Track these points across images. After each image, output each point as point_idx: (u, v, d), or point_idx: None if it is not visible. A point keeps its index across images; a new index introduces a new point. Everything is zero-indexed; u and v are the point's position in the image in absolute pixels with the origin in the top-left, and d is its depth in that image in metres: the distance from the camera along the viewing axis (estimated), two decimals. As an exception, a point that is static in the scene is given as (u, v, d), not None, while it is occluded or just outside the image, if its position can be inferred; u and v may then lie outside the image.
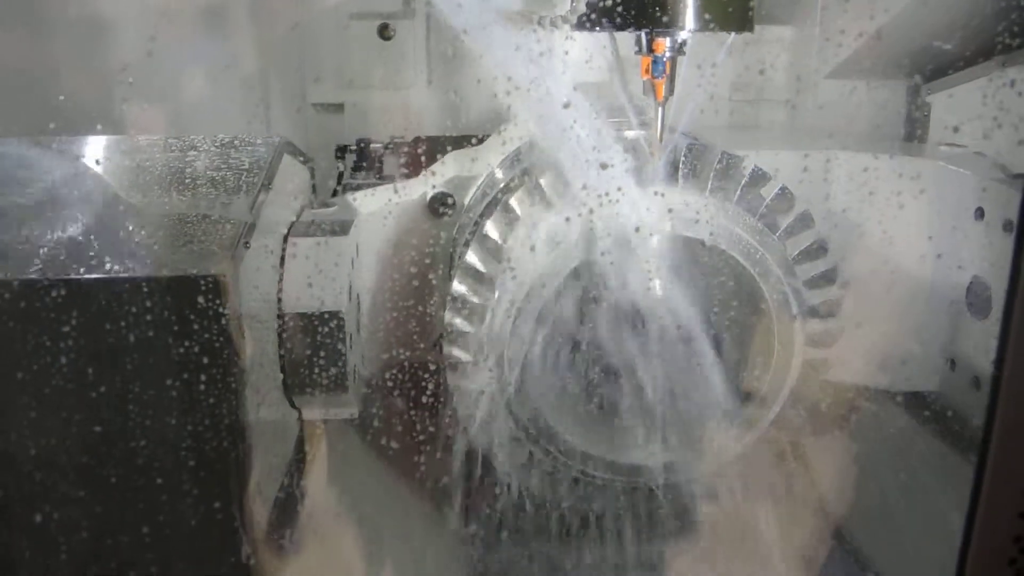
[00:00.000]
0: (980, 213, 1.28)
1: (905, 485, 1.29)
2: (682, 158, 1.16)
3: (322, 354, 1.14)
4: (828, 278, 1.21)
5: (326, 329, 1.13)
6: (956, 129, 1.39)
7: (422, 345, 1.25)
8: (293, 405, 1.20)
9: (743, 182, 1.17)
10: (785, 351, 1.17)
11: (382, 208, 1.28)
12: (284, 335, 1.13)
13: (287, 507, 1.17)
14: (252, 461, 0.99)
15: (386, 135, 1.59)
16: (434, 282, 1.24)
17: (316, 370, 1.15)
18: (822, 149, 1.36)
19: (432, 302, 1.23)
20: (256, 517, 1.02)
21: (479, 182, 1.25)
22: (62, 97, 1.45)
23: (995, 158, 1.32)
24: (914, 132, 1.55)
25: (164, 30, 1.56)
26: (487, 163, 1.26)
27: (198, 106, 1.57)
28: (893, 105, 1.59)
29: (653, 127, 1.17)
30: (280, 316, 1.13)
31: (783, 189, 1.19)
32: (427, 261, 1.25)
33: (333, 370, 1.14)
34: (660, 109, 1.16)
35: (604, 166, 1.10)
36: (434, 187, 1.27)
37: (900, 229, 1.34)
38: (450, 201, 1.24)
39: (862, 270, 1.30)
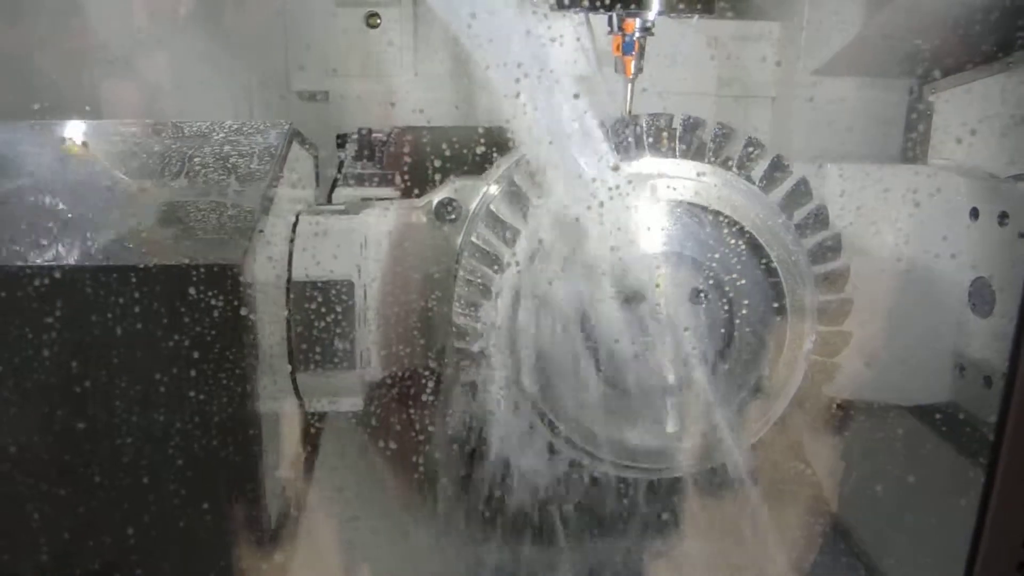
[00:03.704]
0: (975, 213, 1.30)
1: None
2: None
3: (332, 324, 1.12)
4: (833, 248, 1.20)
5: (336, 298, 1.12)
6: (971, 131, 1.39)
7: (426, 351, 1.23)
8: (297, 392, 1.19)
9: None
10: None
11: (387, 213, 1.26)
12: (292, 307, 1.11)
13: (291, 502, 1.16)
14: (267, 450, 0.98)
15: (369, 124, 1.56)
16: (440, 287, 1.23)
17: (324, 342, 1.13)
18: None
19: (437, 307, 1.22)
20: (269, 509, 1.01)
21: (483, 190, 1.25)
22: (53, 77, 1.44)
23: (994, 160, 1.33)
24: (915, 131, 1.56)
25: (148, 14, 1.55)
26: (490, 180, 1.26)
27: (180, 91, 1.57)
28: (893, 104, 1.60)
29: (623, 102, 1.25)
30: (288, 288, 1.11)
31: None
32: (433, 266, 1.23)
33: (341, 344, 1.12)
34: (629, 85, 1.25)
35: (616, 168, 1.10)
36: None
37: (895, 238, 1.33)
38: (455, 207, 1.24)
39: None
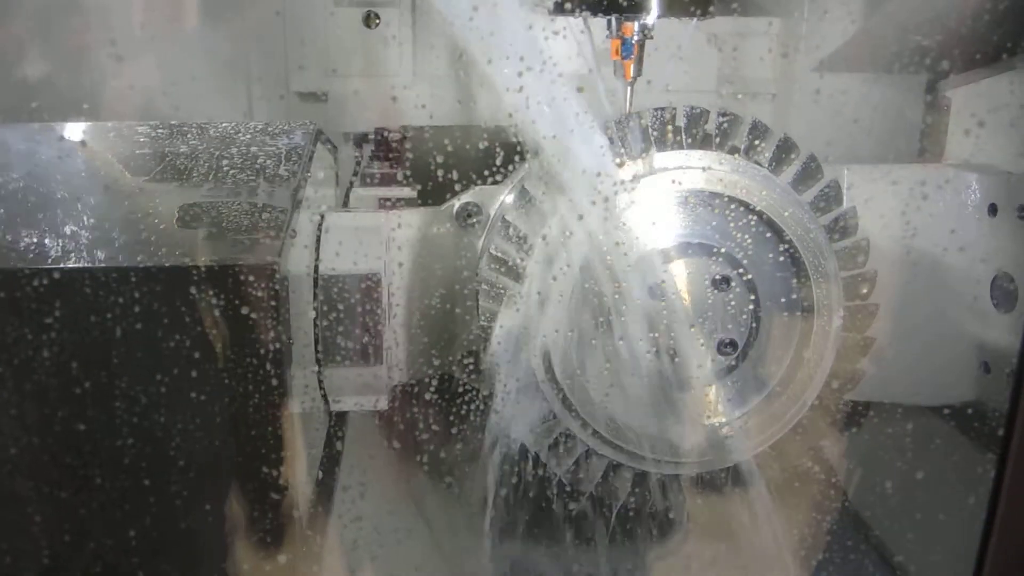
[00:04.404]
0: (993, 209, 1.30)
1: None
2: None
3: (358, 317, 1.13)
4: (848, 226, 1.22)
5: (363, 291, 1.13)
6: (983, 124, 1.39)
7: (448, 358, 1.25)
8: (322, 390, 1.20)
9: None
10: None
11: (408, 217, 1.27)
12: (319, 301, 1.12)
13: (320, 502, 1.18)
14: (299, 449, 1.00)
15: (369, 125, 1.59)
16: (461, 292, 1.24)
17: (350, 335, 1.13)
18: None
19: (460, 313, 1.23)
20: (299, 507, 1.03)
21: (503, 194, 1.26)
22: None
23: (1015, 155, 1.32)
24: (928, 128, 1.54)
25: (147, 14, 1.55)
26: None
27: (179, 92, 1.56)
28: (905, 101, 1.59)
29: (622, 105, 1.26)
30: (316, 282, 1.12)
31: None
32: (455, 270, 1.24)
33: (367, 337, 1.14)
34: (628, 88, 1.27)
35: (621, 164, 1.12)
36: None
37: (913, 237, 1.32)
38: (477, 210, 1.26)
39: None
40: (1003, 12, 1.25)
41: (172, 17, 1.59)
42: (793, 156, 1.19)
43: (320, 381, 1.18)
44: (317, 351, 1.15)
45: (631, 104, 1.28)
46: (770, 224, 1.15)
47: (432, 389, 1.25)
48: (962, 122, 1.44)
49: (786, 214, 1.14)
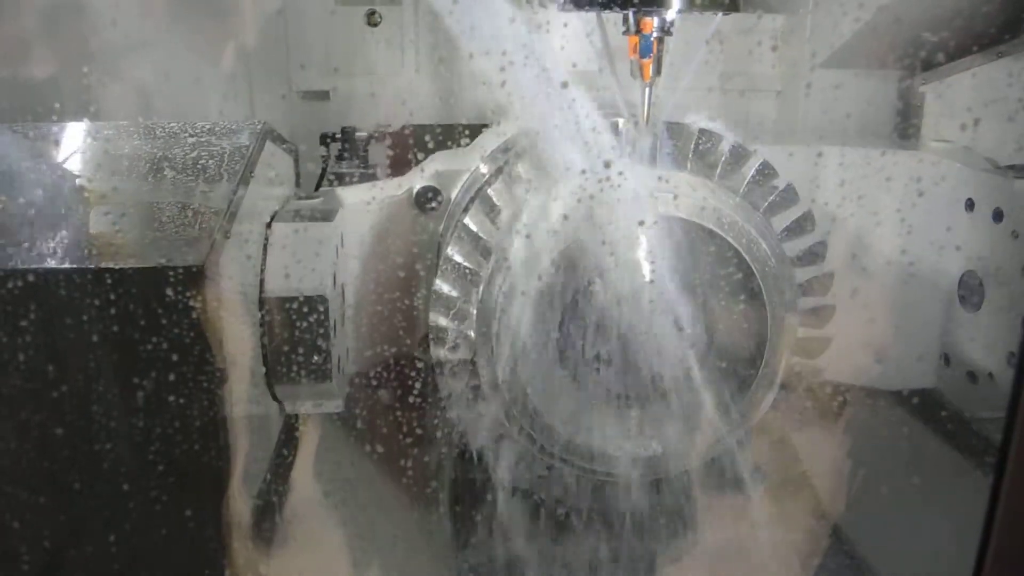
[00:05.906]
0: (970, 205, 1.27)
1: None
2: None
3: (306, 340, 1.09)
4: (817, 254, 1.18)
5: (310, 314, 1.09)
6: (961, 124, 1.36)
7: (408, 341, 1.20)
8: (275, 397, 1.15)
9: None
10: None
11: (368, 201, 1.23)
12: (266, 321, 1.09)
13: (269, 504, 1.13)
14: (232, 457, 0.95)
15: (372, 123, 1.56)
16: (421, 276, 1.21)
17: (299, 357, 1.10)
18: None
19: (419, 297, 1.19)
20: (236, 515, 0.98)
21: (465, 177, 1.22)
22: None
23: (990, 148, 1.29)
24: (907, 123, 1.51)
25: (147, 12, 1.52)
26: (473, 159, 1.23)
27: (181, 92, 1.54)
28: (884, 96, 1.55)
29: (640, 108, 1.16)
30: (262, 302, 1.08)
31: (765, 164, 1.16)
32: (414, 255, 1.21)
33: (317, 358, 1.10)
34: (647, 89, 1.15)
35: (607, 164, 1.05)
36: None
37: (888, 225, 1.31)
38: (437, 195, 1.21)
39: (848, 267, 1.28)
40: (988, 7, 1.23)
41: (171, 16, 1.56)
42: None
43: (271, 387, 1.13)
44: (265, 365, 1.11)
45: (650, 108, 1.18)
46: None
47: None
48: (935, 117, 1.42)
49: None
